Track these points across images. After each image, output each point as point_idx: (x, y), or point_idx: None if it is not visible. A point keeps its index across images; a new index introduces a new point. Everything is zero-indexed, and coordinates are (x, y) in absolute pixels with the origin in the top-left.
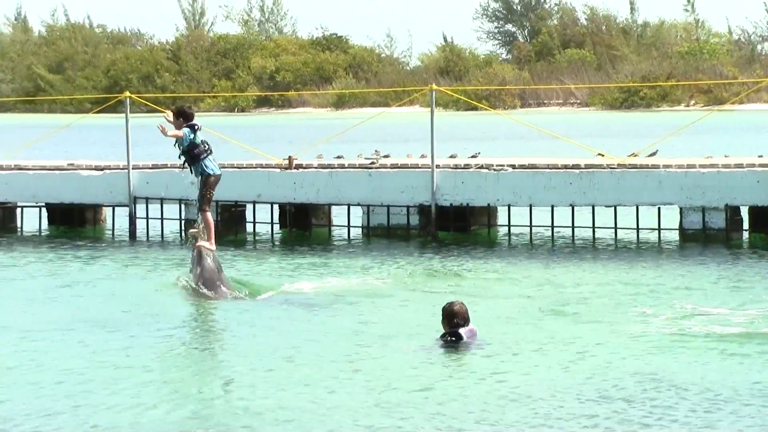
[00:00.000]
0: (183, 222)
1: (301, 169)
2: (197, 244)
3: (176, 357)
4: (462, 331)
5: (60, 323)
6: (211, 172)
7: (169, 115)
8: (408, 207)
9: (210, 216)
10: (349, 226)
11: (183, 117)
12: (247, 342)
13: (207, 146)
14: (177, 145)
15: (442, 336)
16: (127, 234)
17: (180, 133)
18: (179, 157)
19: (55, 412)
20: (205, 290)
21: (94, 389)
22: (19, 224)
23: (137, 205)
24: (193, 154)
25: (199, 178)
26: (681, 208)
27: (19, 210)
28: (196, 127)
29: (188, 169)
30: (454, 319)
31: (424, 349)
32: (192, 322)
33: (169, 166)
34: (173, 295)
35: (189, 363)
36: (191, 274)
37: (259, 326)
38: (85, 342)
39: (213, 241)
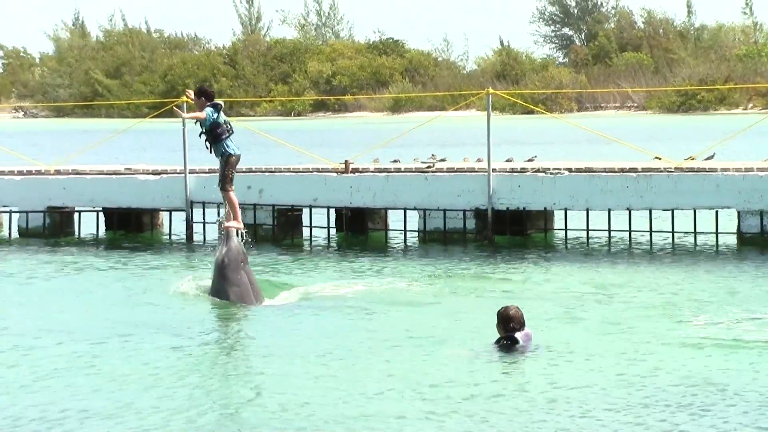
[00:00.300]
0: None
1: (357, 173)
2: (225, 224)
3: (231, 361)
4: (518, 335)
5: (113, 327)
6: (233, 152)
7: (191, 94)
8: (464, 211)
9: (233, 195)
10: (405, 230)
11: (205, 96)
12: (295, 346)
13: (229, 126)
14: (198, 124)
15: (498, 340)
16: (184, 238)
17: (202, 115)
18: (200, 136)
19: (89, 414)
20: (227, 272)
21: (137, 392)
22: (76, 229)
23: (194, 210)
24: (215, 133)
25: (220, 158)
26: (739, 212)
27: (76, 215)
28: (219, 106)
29: (208, 149)
30: (509, 323)
31: (479, 354)
32: (239, 325)
33: None
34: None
35: (240, 367)
36: (216, 254)
37: (309, 330)
38: (138, 346)
39: (239, 218)
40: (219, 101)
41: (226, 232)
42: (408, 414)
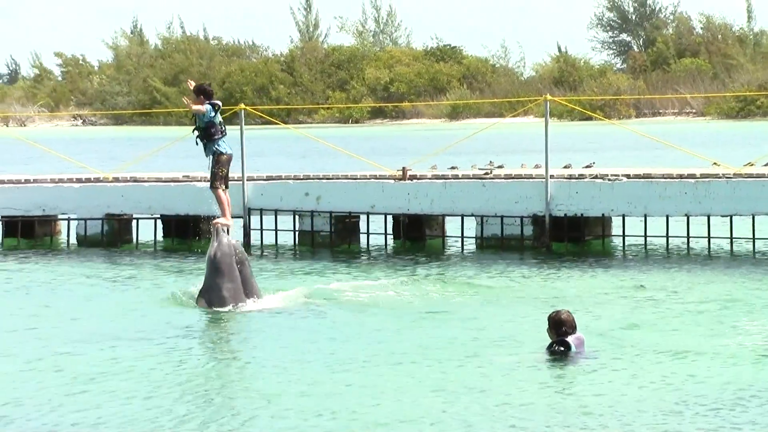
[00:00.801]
0: (297, 233)
1: (414, 180)
2: (214, 221)
3: (294, 364)
4: (569, 339)
5: (169, 331)
6: (224, 151)
7: (191, 85)
8: (522, 217)
9: (221, 193)
10: (462, 237)
11: (204, 94)
12: (346, 350)
13: (223, 128)
14: (196, 119)
15: (550, 345)
16: (242, 245)
17: (203, 108)
18: (193, 132)
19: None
20: (220, 266)
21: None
22: (134, 236)
23: (251, 217)
24: (209, 132)
25: (211, 156)
26: None
27: (134, 222)
28: (217, 106)
29: (201, 147)
30: (561, 327)
31: (532, 360)
32: (280, 328)
33: (283, 177)
34: (283, 305)
35: (299, 372)
36: (208, 250)
37: (357, 334)
38: (190, 352)
39: (228, 216)
40: (217, 101)
41: (215, 229)
42: (456, 419)
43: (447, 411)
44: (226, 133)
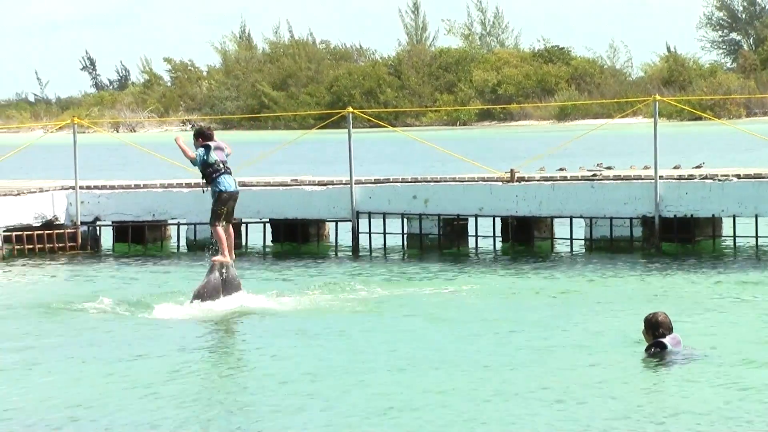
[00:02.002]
0: (405, 236)
1: (523, 182)
2: (213, 258)
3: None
4: (666, 340)
5: (266, 336)
6: (223, 189)
7: (179, 141)
8: (631, 219)
9: (220, 230)
10: (571, 239)
11: (201, 137)
12: (431, 353)
13: (221, 166)
14: (192, 162)
15: (648, 347)
16: (350, 249)
17: (191, 154)
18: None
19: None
20: (202, 302)
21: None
22: (243, 240)
23: (360, 220)
24: (206, 173)
25: (212, 195)
26: None
27: (243, 226)
28: (212, 147)
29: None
30: (658, 329)
31: (631, 361)
32: (359, 330)
33: (391, 180)
34: (391, 308)
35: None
36: (197, 286)
37: (458, 334)
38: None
39: (226, 253)
40: (211, 142)
41: (210, 266)
42: (549, 421)
43: (545, 412)
44: (230, 171)
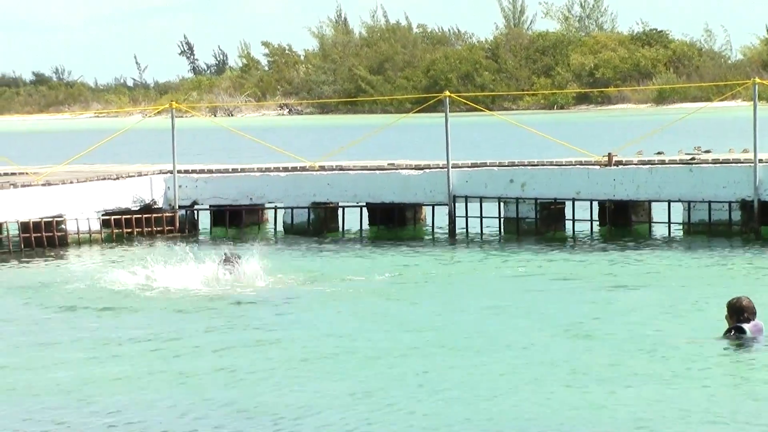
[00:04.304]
0: (502, 220)
1: (620, 166)
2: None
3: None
4: (746, 326)
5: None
6: None
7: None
8: (730, 203)
9: None
10: (669, 223)
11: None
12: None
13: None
14: None
15: (728, 331)
16: (447, 232)
17: None
18: None
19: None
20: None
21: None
22: (340, 224)
23: (456, 204)
24: None
25: None
26: None
27: (340, 210)
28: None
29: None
30: (742, 314)
31: (711, 345)
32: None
33: (488, 164)
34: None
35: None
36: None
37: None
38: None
39: None
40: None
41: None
42: (627, 403)
43: (615, 395)
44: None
